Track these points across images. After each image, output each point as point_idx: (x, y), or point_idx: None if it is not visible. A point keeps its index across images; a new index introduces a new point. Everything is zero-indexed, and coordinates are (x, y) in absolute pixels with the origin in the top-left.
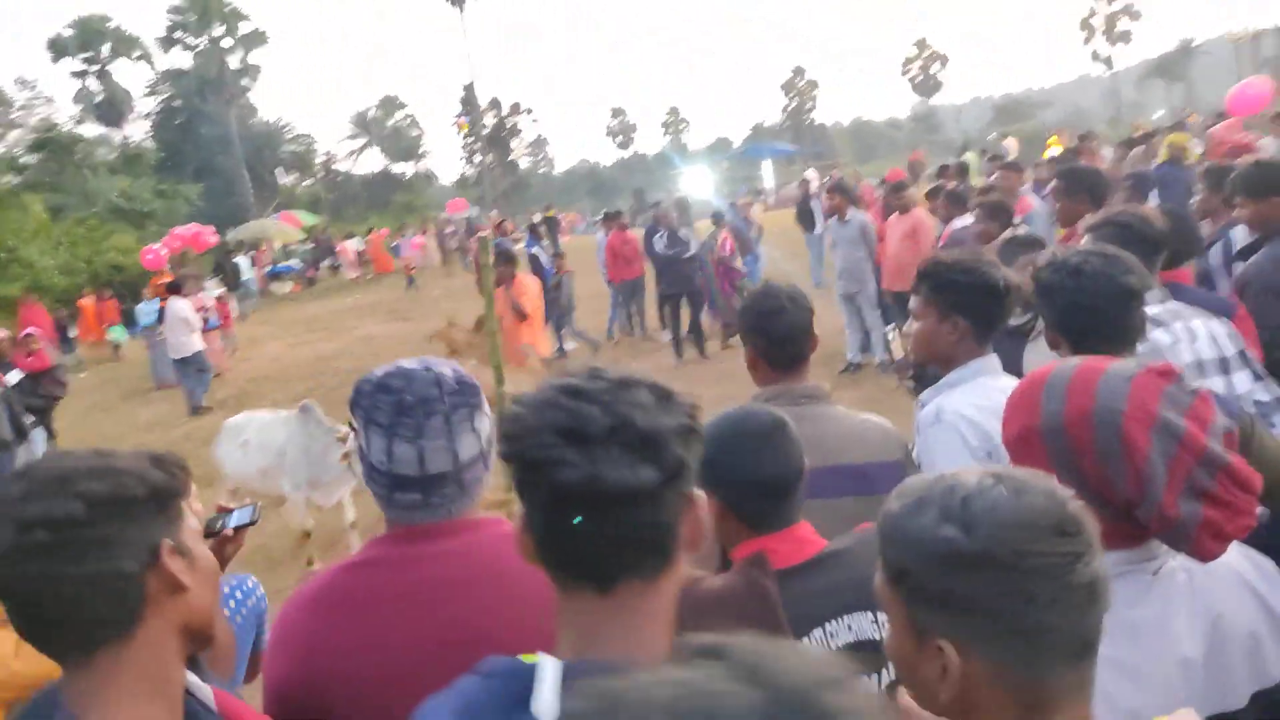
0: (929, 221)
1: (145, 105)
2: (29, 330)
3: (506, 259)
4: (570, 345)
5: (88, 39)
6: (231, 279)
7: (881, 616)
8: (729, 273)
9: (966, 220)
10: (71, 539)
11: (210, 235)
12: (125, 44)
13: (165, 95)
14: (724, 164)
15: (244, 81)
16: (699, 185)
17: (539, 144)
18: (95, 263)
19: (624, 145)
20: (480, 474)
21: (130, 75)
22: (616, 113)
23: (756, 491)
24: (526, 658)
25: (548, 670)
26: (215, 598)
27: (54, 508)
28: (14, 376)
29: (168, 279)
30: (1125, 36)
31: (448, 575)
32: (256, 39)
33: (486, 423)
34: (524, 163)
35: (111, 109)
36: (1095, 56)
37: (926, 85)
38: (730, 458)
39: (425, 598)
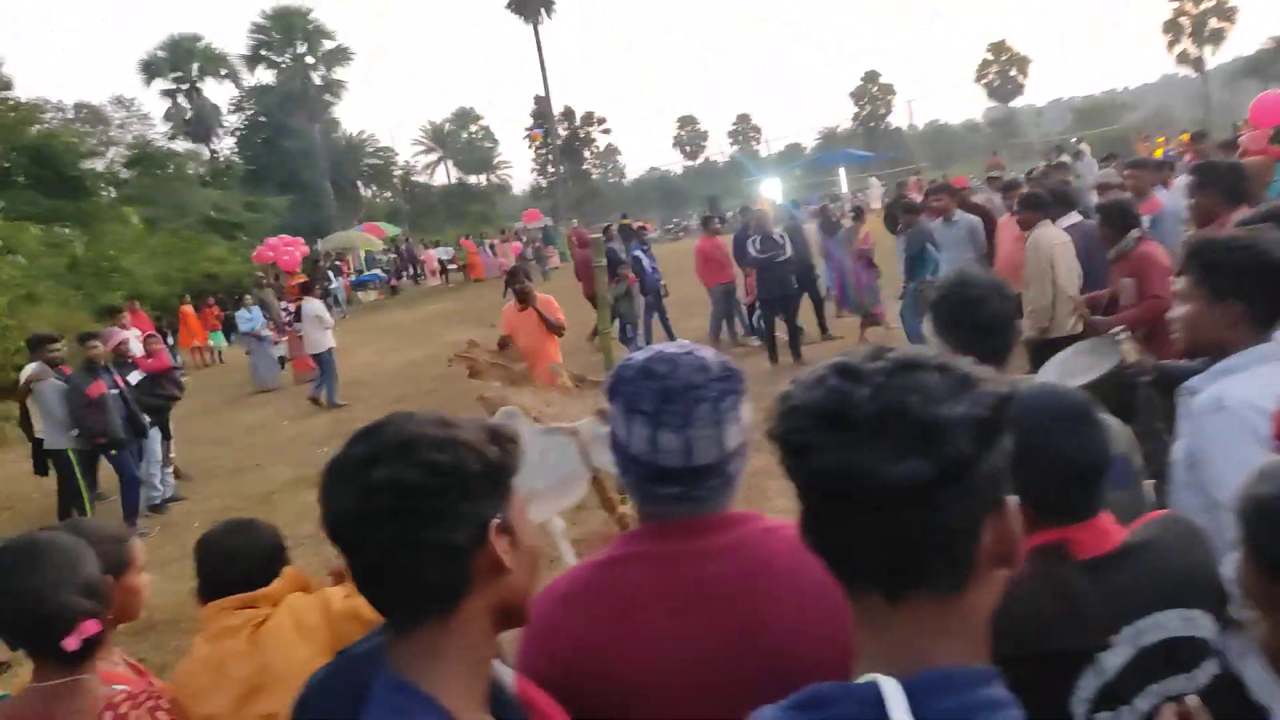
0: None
1: (231, 121)
2: (150, 333)
3: (524, 277)
4: None
5: (178, 59)
6: (323, 288)
7: (1192, 613)
8: (870, 266)
9: (1073, 218)
10: (412, 508)
11: (300, 246)
12: (213, 62)
13: (251, 111)
14: (797, 171)
15: (327, 97)
16: (773, 191)
17: (609, 153)
18: (190, 271)
19: (693, 154)
20: (742, 466)
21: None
22: (685, 121)
23: (1064, 479)
24: (863, 677)
25: (893, 697)
26: (534, 581)
27: (398, 474)
28: (135, 377)
29: (301, 280)
30: (1216, 36)
31: (716, 573)
32: (340, 55)
33: (749, 411)
34: (594, 172)
35: (200, 125)
36: (1184, 58)
37: (1004, 89)
38: (1035, 440)
39: (694, 597)
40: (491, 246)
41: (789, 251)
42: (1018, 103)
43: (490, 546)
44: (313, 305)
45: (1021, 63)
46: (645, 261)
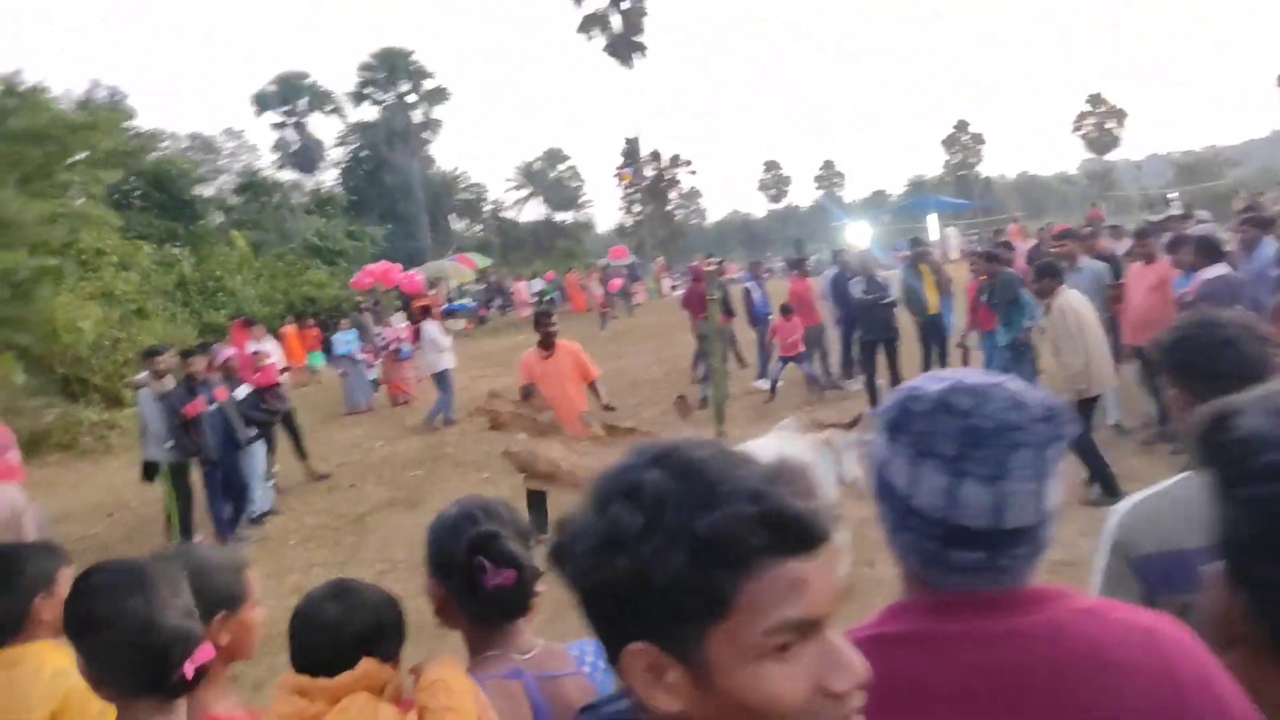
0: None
1: (334, 154)
2: (258, 348)
3: (549, 322)
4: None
5: (288, 94)
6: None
7: None
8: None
9: (1221, 269)
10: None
11: (397, 273)
12: (320, 98)
13: (354, 145)
14: (885, 217)
15: (425, 134)
16: (860, 237)
17: (691, 195)
18: (291, 294)
19: (776, 198)
20: (1052, 530)
21: (323, 127)
22: (770, 166)
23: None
24: None
25: None
26: None
27: None
28: (242, 391)
29: (426, 302)
30: None
31: (1025, 663)
32: (439, 95)
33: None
34: (678, 213)
35: (306, 157)
36: None
37: (1101, 141)
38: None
39: (997, 694)
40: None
41: (892, 294)
42: (1114, 156)
43: None
44: (430, 327)
45: (1119, 115)
46: (755, 295)
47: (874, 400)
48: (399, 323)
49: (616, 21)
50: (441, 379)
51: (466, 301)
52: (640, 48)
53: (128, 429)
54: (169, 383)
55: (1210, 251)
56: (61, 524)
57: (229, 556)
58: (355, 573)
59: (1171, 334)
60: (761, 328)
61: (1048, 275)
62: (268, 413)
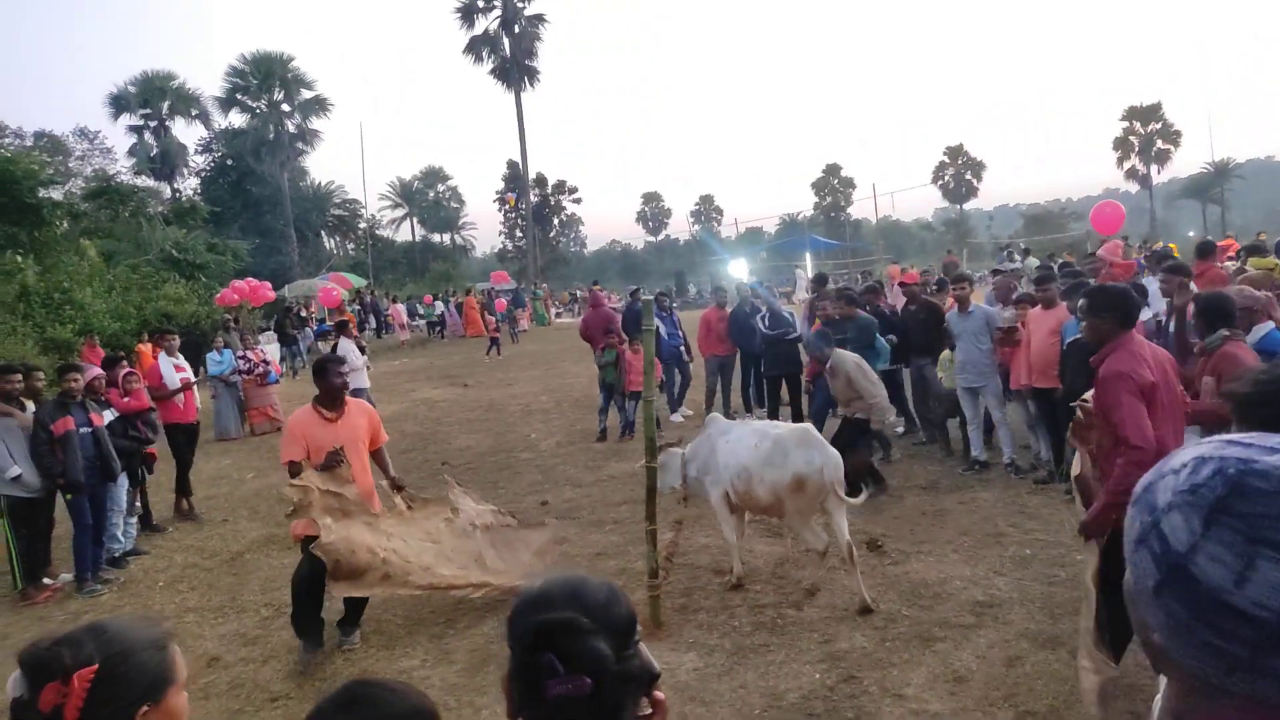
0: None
1: (197, 162)
2: (129, 370)
3: (336, 375)
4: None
5: (149, 95)
6: (291, 336)
7: None
8: None
9: (1144, 314)
10: None
11: (268, 290)
12: (185, 102)
13: (219, 154)
14: (762, 254)
15: (300, 145)
16: (739, 271)
17: (571, 223)
18: (146, 309)
19: (655, 230)
20: None
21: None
22: (650, 198)
23: None
24: None
25: None
26: None
27: None
28: (108, 416)
29: (345, 318)
30: (1162, 156)
31: None
32: (318, 105)
33: None
34: (559, 241)
35: (166, 163)
36: (1132, 173)
37: (958, 191)
38: None
39: None
40: (458, 306)
41: (798, 329)
42: (969, 206)
43: None
44: (345, 345)
45: (976, 167)
46: (663, 328)
47: None
48: (267, 344)
49: (506, 45)
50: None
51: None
52: (532, 72)
53: None
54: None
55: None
56: None
57: (150, 632)
58: (236, 619)
59: (1249, 379)
60: (672, 360)
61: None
62: (137, 440)
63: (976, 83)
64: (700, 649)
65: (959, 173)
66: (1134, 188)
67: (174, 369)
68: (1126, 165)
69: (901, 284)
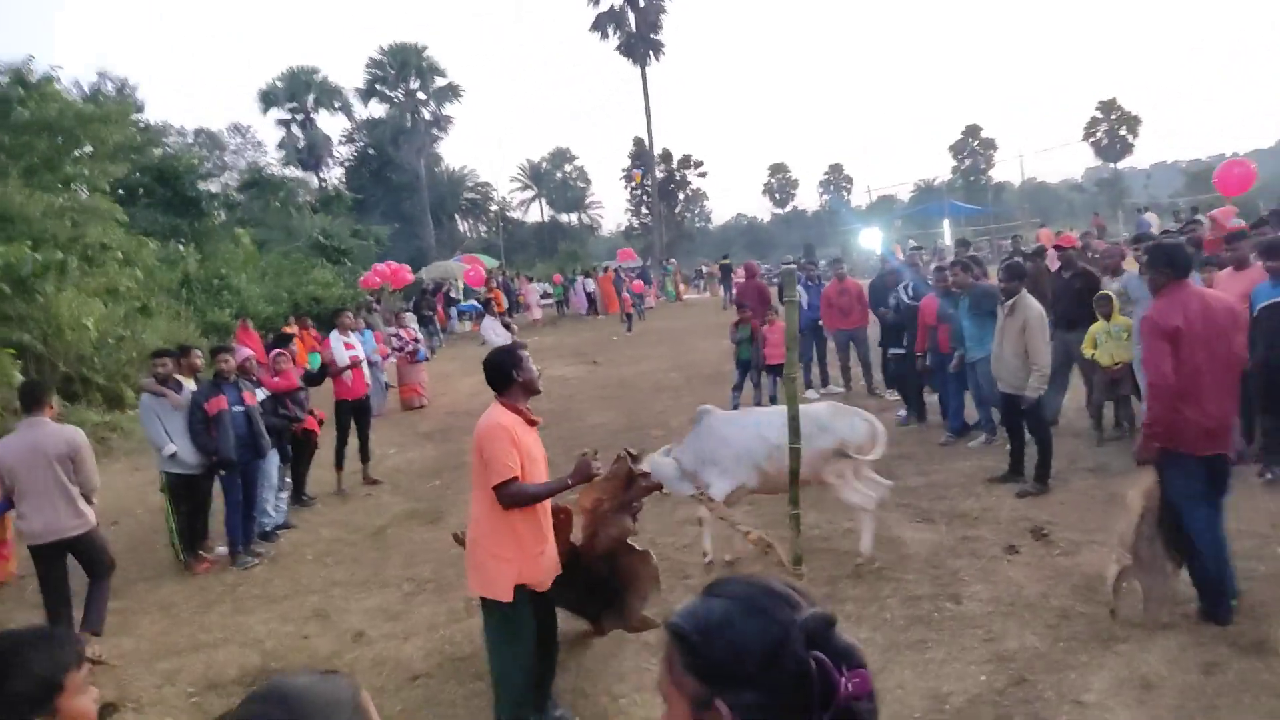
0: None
1: (341, 152)
2: (280, 350)
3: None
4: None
5: (295, 89)
6: (428, 316)
7: None
8: None
9: None
10: None
11: (407, 273)
12: (328, 94)
13: (361, 143)
14: (897, 222)
15: (435, 131)
16: (872, 241)
17: (697, 198)
18: (296, 293)
19: (782, 202)
20: None
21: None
22: (776, 169)
23: None
24: None
25: None
26: None
27: None
28: (260, 395)
29: (491, 296)
30: None
31: None
32: (450, 92)
33: None
34: (684, 216)
35: (312, 154)
36: None
37: (1112, 149)
38: None
39: None
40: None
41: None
42: (1123, 164)
43: None
44: (489, 323)
45: (1132, 122)
46: (804, 299)
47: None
48: (411, 324)
49: (631, 19)
50: None
51: (473, 303)
52: (657, 46)
53: (130, 430)
54: (189, 385)
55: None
56: None
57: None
58: (379, 594)
59: None
60: (808, 332)
61: (1012, 277)
62: (286, 419)
63: (1129, 29)
64: None
65: (1113, 128)
66: None
67: (344, 346)
68: None
69: (1057, 247)
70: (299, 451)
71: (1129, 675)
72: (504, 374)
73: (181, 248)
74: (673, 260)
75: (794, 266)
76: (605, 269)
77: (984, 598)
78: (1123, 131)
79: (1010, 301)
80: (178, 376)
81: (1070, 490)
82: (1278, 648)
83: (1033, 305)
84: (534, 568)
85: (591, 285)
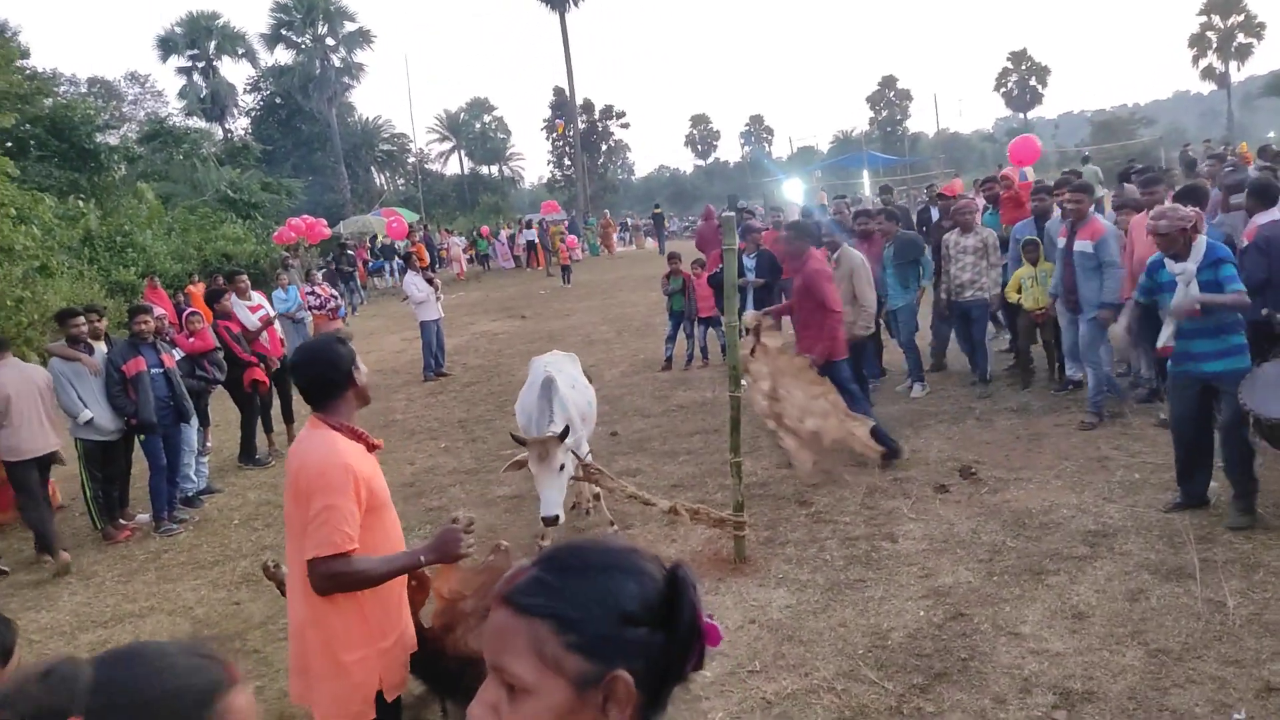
0: None
1: (246, 101)
2: (192, 310)
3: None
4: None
5: (195, 36)
6: (347, 273)
7: None
8: None
9: (1275, 214)
10: None
11: (324, 228)
12: (231, 41)
13: (267, 92)
14: (816, 173)
15: (345, 79)
16: (794, 192)
17: (619, 149)
18: (206, 250)
19: (704, 154)
20: None
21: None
22: (698, 120)
23: None
24: None
25: None
26: None
27: None
28: (175, 356)
29: (413, 249)
30: (1243, 52)
31: None
32: (361, 38)
33: None
34: (607, 168)
35: (216, 104)
36: (1209, 73)
37: (1022, 99)
38: None
39: None
40: (511, 237)
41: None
42: (1033, 114)
43: None
44: (410, 279)
45: (1042, 72)
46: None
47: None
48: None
49: None
50: (423, 330)
51: (380, 260)
52: None
53: None
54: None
55: (1266, 196)
56: None
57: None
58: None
59: None
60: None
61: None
62: (204, 381)
63: None
64: (791, 585)
65: (1023, 79)
66: (1209, 88)
67: (248, 310)
68: (1203, 63)
69: (940, 196)
70: (247, 407)
71: (1060, 606)
72: (334, 378)
73: (81, 204)
74: (605, 211)
75: (732, 215)
76: (535, 222)
77: (918, 535)
78: (1032, 81)
79: (835, 255)
80: (88, 339)
81: (995, 430)
82: (1193, 573)
83: (854, 255)
84: (392, 664)
85: (533, 234)
